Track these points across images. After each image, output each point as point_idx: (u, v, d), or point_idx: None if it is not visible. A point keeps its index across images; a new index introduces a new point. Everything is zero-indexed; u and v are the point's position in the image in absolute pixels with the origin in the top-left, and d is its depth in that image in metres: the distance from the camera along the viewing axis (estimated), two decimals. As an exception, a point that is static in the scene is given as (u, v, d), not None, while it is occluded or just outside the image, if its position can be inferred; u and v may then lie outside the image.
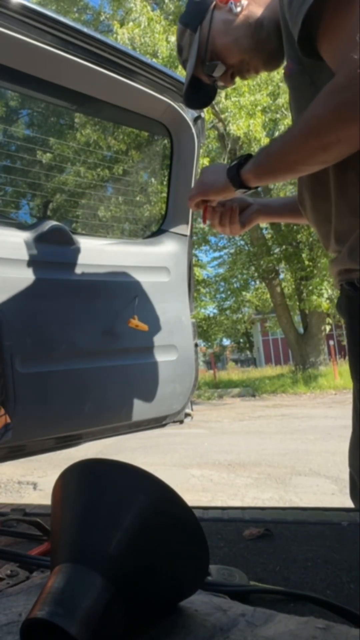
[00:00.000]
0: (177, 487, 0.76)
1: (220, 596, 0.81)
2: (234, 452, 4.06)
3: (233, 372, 16.71)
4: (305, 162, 0.86)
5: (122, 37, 8.82)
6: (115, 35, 9.05)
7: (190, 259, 1.75)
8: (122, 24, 9.36)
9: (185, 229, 1.76)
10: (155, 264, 1.64)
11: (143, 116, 1.72)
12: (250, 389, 11.26)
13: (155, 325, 1.59)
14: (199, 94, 1.11)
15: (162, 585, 0.72)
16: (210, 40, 1.00)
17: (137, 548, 0.70)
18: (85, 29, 1.37)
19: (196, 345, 1.75)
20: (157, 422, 1.67)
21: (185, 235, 1.77)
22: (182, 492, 0.77)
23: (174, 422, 1.72)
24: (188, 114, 1.68)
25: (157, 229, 1.81)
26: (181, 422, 1.73)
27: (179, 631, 0.65)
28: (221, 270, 15.27)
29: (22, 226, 1.43)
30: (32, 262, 1.33)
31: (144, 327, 1.48)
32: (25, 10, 1.23)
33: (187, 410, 1.74)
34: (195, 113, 1.70)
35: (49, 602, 0.63)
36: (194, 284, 1.80)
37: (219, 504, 2.51)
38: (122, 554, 0.68)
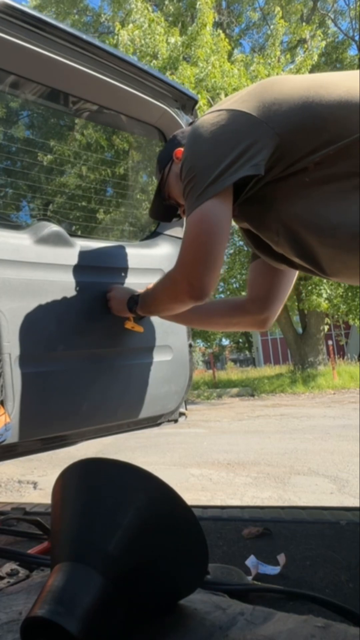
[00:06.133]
0: (176, 486, 0.76)
1: (219, 595, 0.81)
2: (233, 451, 4.06)
3: (232, 372, 16.71)
4: (167, 309, 1.25)
5: (122, 38, 8.81)
6: (116, 36, 9.05)
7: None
8: (122, 26, 9.36)
9: (179, 232, 1.77)
10: (151, 266, 1.65)
11: (139, 121, 1.74)
12: (249, 389, 11.26)
13: (150, 326, 1.61)
14: (165, 212, 1.37)
15: (161, 584, 0.73)
16: (166, 184, 1.27)
17: (136, 547, 0.70)
18: (84, 36, 1.39)
19: (190, 345, 1.77)
20: (153, 421, 1.68)
21: (180, 238, 1.78)
22: (181, 491, 0.77)
23: (169, 421, 1.73)
24: (183, 120, 1.70)
25: (152, 232, 1.82)
26: (175, 421, 1.75)
27: (178, 630, 0.66)
28: (220, 271, 15.25)
29: (20, 228, 1.44)
30: (30, 264, 1.34)
31: (139, 328, 1.50)
32: (25, 16, 1.25)
33: (182, 410, 1.75)
34: (190, 119, 1.72)
35: (49, 600, 0.63)
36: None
37: (218, 503, 2.51)
38: (122, 553, 0.69)
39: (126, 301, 1.38)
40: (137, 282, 1.55)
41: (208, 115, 0.99)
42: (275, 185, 0.94)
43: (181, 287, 1.05)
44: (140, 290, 1.39)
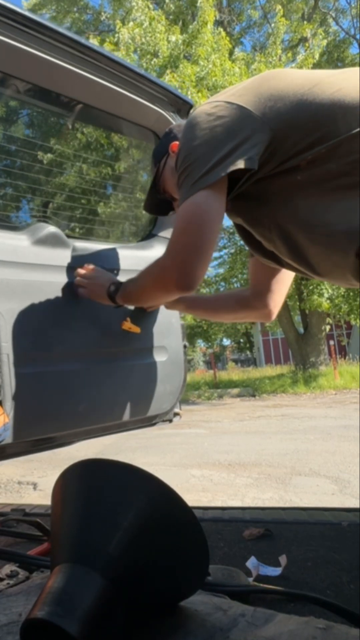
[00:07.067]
0: (177, 487, 0.76)
1: (220, 596, 0.81)
2: (234, 452, 4.06)
3: (233, 372, 16.70)
4: (151, 299, 1.28)
5: (123, 36, 8.81)
6: (116, 35, 9.04)
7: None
8: (123, 24, 9.36)
9: None
10: None
11: (135, 124, 1.75)
12: (250, 389, 11.26)
13: (146, 327, 1.61)
14: (159, 206, 1.37)
15: (162, 586, 0.72)
16: (161, 177, 1.28)
17: (137, 548, 0.70)
18: (81, 39, 1.41)
19: (185, 346, 1.78)
20: (148, 422, 1.69)
21: None
22: (182, 492, 0.77)
23: (163, 421, 1.74)
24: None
25: (147, 234, 1.82)
26: (170, 421, 1.76)
27: (178, 631, 0.65)
28: (221, 271, 15.24)
29: (17, 229, 1.44)
30: (28, 265, 1.34)
31: (136, 329, 1.51)
32: (24, 19, 1.27)
33: (176, 410, 1.76)
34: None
35: (49, 602, 0.63)
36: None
37: (219, 504, 2.51)
38: (122, 554, 0.68)
39: (107, 287, 1.32)
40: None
41: (205, 106, 1.00)
42: (268, 182, 0.95)
43: (170, 276, 1.03)
44: None
